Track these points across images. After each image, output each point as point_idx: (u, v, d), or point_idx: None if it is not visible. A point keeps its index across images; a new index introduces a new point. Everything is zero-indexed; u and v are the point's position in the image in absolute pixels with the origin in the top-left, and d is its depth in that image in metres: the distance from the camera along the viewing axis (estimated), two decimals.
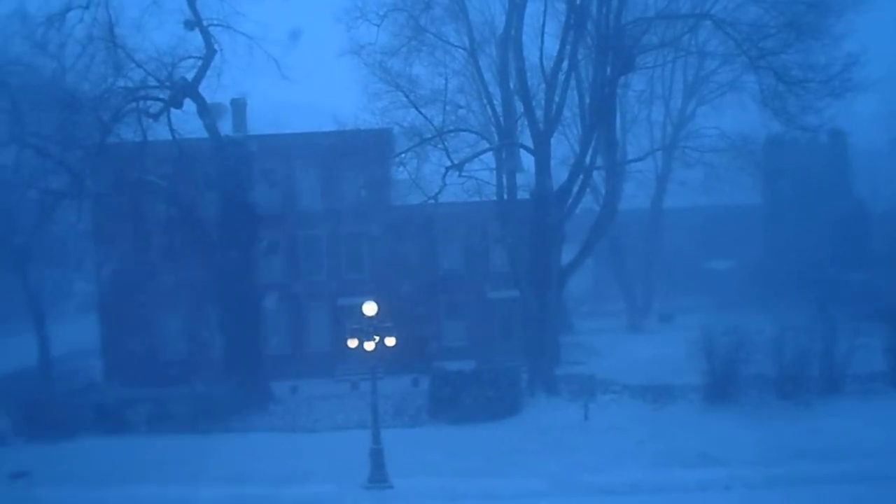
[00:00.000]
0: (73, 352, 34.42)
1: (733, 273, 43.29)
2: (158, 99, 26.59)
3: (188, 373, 28.79)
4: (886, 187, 47.55)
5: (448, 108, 27.54)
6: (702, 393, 25.43)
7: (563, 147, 33.81)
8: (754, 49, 25.74)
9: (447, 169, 26.62)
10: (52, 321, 33.33)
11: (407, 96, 27.74)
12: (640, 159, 32.84)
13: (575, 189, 28.02)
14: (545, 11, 27.44)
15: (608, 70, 26.48)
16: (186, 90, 26.45)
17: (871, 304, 34.50)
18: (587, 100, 28.09)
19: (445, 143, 26.95)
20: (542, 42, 27.29)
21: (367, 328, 20.24)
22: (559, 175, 28.73)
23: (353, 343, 20.59)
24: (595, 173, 30.27)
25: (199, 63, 26.58)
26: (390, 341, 20.50)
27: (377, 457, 20.21)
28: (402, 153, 27.63)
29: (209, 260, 27.56)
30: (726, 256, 43.70)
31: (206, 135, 27.15)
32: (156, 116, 26.35)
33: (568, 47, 26.89)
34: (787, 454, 20.64)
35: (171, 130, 26.15)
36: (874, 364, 26.27)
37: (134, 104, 26.03)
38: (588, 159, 28.03)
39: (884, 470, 19.09)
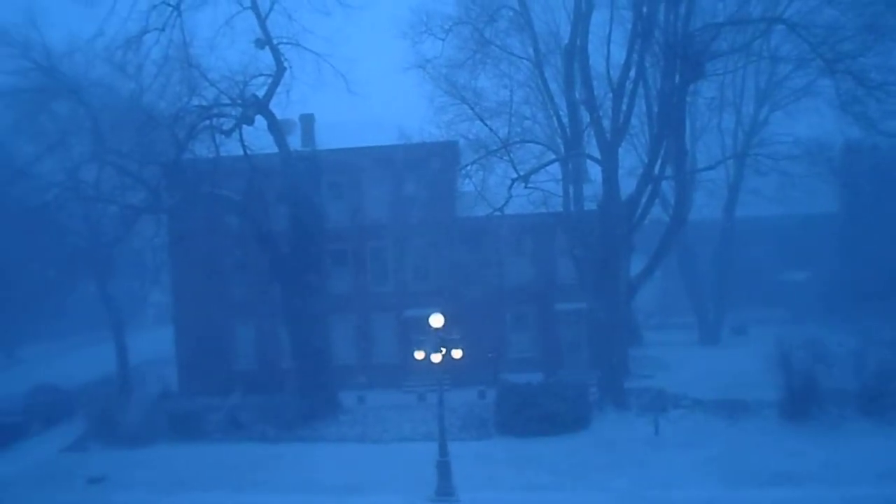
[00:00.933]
0: (149, 361, 35.72)
1: (810, 284, 41.74)
2: (231, 116, 27.36)
3: (259, 382, 29.48)
4: None
5: (513, 119, 27.47)
6: (778, 408, 24.55)
7: (630, 157, 33.30)
8: (830, 52, 24.81)
9: (513, 180, 26.53)
10: (131, 331, 34.70)
11: (472, 109, 27.79)
12: (710, 168, 31.95)
13: (643, 199, 27.53)
14: (611, 20, 27.15)
15: (677, 78, 25.95)
16: (257, 107, 27.15)
17: None
18: (655, 108, 27.59)
19: (511, 155, 26.89)
20: (609, 51, 27.01)
21: (434, 340, 20.30)
22: (627, 185, 28.27)
23: (419, 355, 20.71)
24: (664, 183, 29.68)
25: (270, 80, 27.23)
26: (457, 353, 20.50)
27: (444, 469, 20.18)
28: (467, 165, 27.66)
29: (279, 272, 28.15)
30: (802, 267, 42.18)
31: (276, 150, 27.80)
32: (228, 133, 27.12)
33: (635, 56, 26.49)
34: (870, 475, 19.71)
35: (243, 146, 26.86)
36: None
37: (207, 122, 26.84)
38: (657, 169, 27.49)
39: None
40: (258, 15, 26.80)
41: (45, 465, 24.37)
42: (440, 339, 20.31)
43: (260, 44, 27.09)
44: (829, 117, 30.16)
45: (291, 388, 27.95)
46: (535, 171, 26.95)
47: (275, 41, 27.00)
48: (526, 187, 26.70)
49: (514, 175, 26.58)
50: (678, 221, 27.92)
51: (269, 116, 27.46)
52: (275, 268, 28.29)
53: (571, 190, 28.47)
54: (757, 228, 40.62)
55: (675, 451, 22.18)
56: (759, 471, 20.46)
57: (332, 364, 29.07)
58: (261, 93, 27.22)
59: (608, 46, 26.94)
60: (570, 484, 20.33)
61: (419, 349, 20.74)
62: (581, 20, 27.04)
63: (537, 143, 28.72)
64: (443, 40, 28.02)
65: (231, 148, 27.22)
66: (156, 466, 23.46)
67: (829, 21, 26.03)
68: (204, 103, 26.62)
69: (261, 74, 27.28)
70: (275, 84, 27.25)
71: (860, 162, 37.56)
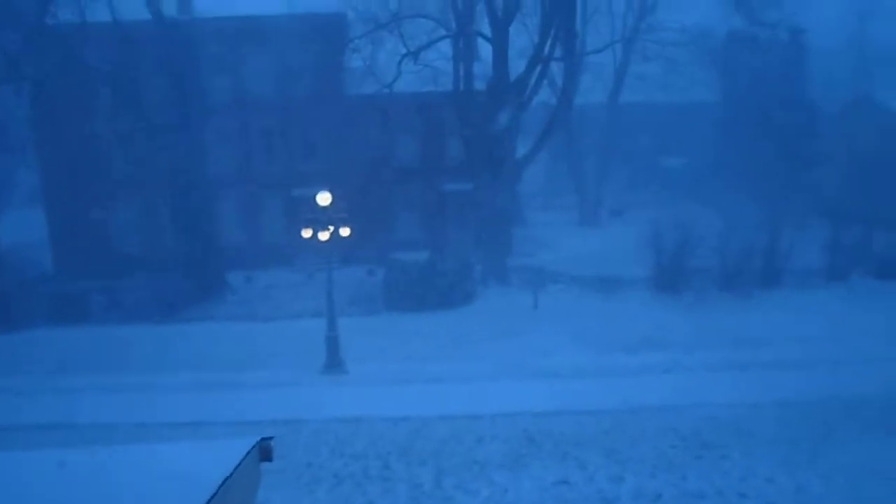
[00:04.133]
0: (19, 243, 33.72)
1: (686, 169, 43.86)
2: None
3: (141, 264, 28.61)
4: (841, 87, 48.05)
5: None
6: (648, 284, 26.29)
7: (522, 37, 32.94)
8: None
9: (403, 56, 25.99)
10: None
11: None
12: (599, 51, 32.34)
13: (532, 80, 27.65)
14: None
15: None
16: None
17: (817, 202, 35.60)
18: None
19: (401, 30, 26.19)
20: None
21: (322, 218, 20.24)
22: (517, 66, 28.27)
23: (307, 233, 20.64)
24: (553, 65, 29.87)
25: None
26: (345, 231, 20.60)
27: (332, 343, 20.67)
28: (356, 39, 26.78)
29: (157, 148, 26.86)
30: (680, 153, 44.11)
31: (149, 16, 25.88)
32: None
33: None
34: (725, 341, 21.68)
35: (112, 11, 24.83)
36: (814, 259, 27.34)
37: None
38: (547, 50, 27.58)
39: (811, 356, 20.26)
40: None
41: None
42: (328, 218, 20.28)
43: None
44: (716, 5, 30.91)
45: (177, 269, 27.37)
46: (426, 47, 26.45)
47: None
48: (416, 64, 26.25)
49: (405, 51, 26.03)
50: (565, 103, 28.38)
51: None
52: (152, 144, 26.95)
53: (462, 68, 28.16)
54: (640, 114, 41.79)
55: (552, 323, 23.45)
56: (629, 339, 22.05)
57: (217, 244, 28.54)
58: None
59: None
60: (453, 354, 21.31)
61: (307, 227, 20.67)
62: None
63: (428, 18, 28.01)
64: None
65: (99, 13, 25.08)
66: (40, 349, 22.68)
67: None
68: None
69: None
70: None
71: (741, 52, 38.94)
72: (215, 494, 3.10)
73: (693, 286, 25.99)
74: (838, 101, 45.21)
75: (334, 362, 20.65)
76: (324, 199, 20.23)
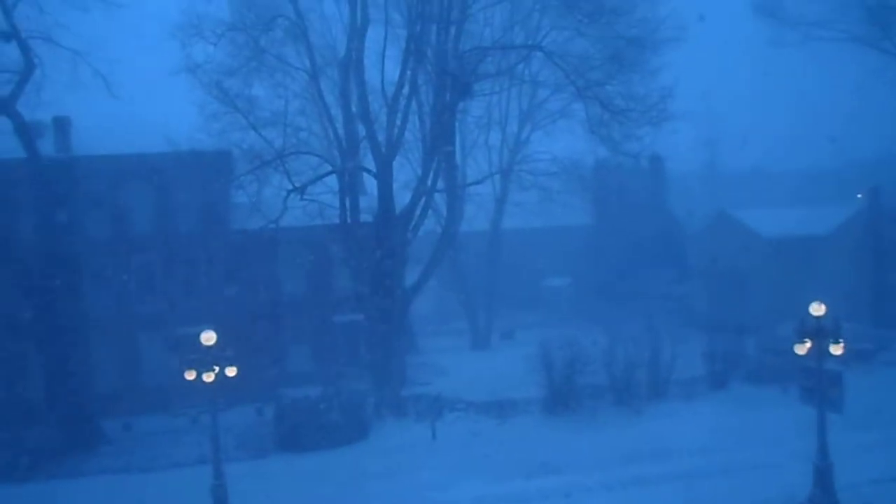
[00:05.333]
0: None
1: (568, 289, 45.68)
2: None
3: (3, 414, 26.28)
4: (699, 207, 52.32)
5: (289, 130, 27.19)
6: (542, 405, 26.55)
7: (405, 170, 34.26)
8: (582, 80, 27.56)
9: (289, 192, 26.24)
10: None
11: (246, 118, 27.11)
12: (478, 182, 34.05)
13: (417, 211, 28.55)
14: (385, 37, 27.95)
15: (447, 96, 27.30)
16: (1, 106, 24.43)
17: (689, 314, 37.72)
18: (428, 124, 28.79)
19: (286, 166, 26.57)
20: (384, 66, 27.80)
21: (206, 358, 19.40)
22: (402, 198, 29.14)
23: (190, 375, 19.65)
24: (437, 196, 30.99)
25: (16, 78, 24.68)
26: (231, 371, 19.74)
27: (219, 493, 19.32)
28: (241, 176, 26.90)
29: (28, 289, 25.42)
30: (561, 274, 46.04)
31: (24, 155, 25.18)
32: None
33: (408, 72, 27.47)
34: (620, 458, 21.91)
35: None
36: (694, 369, 28.57)
37: None
38: (429, 182, 28.67)
39: (701, 468, 20.77)
40: (3, 4, 24.16)
41: None
42: (213, 357, 19.48)
43: (5, 36, 24.40)
44: (582, 138, 33.31)
45: (44, 419, 25.27)
46: (311, 182, 26.90)
47: (23, 34, 24.46)
48: (302, 199, 26.54)
49: (290, 186, 26.32)
50: (450, 233, 29.32)
51: (16, 117, 24.83)
52: (23, 285, 25.51)
53: (348, 202, 28.70)
54: (521, 239, 43.66)
55: (451, 453, 23.06)
56: (527, 463, 21.88)
57: (92, 390, 26.69)
58: (5, 91, 24.52)
59: (383, 62, 27.75)
60: (351, 495, 20.40)
61: (190, 369, 19.72)
62: (356, 35, 27.50)
63: (313, 154, 28.68)
64: (215, 45, 27.08)
65: None
66: None
67: (581, 51, 28.86)
68: None
69: (6, 71, 24.61)
70: (22, 82, 24.68)
71: (608, 179, 41.92)
72: None
73: (584, 404, 26.42)
74: (699, 219, 49.18)
75: None
76: (208, 338, 19.48)
